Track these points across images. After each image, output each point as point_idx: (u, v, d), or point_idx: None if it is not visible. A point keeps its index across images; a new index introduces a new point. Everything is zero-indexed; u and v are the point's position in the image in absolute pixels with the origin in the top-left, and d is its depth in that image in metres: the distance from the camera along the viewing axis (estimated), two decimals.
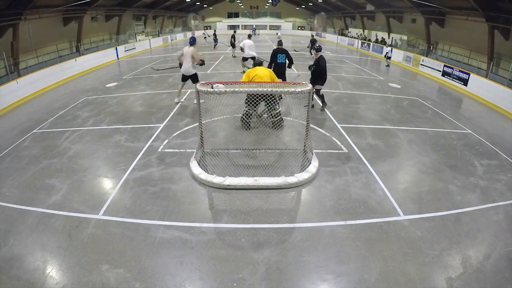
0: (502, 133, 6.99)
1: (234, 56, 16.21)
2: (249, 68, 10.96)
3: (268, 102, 5.55)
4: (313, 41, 17.35)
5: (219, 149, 5.22)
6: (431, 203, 4.08)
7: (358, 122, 6.90)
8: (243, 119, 5.86)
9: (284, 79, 7.81)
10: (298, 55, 17.45)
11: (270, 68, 8.22)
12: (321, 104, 7.57)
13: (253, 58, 10.81)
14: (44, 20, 13.33)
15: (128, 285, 2.79)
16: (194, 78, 7.62)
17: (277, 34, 27.24)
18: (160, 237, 3.37)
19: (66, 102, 8.61)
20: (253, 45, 10.91)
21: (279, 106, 6.23)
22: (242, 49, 11.00)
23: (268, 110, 5.98)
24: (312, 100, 7.32)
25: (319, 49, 7.37)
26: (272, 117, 6.11)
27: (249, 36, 11.82)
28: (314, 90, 7.17)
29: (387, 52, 15.80)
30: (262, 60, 6.42)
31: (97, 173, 4.72)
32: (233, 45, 16.61)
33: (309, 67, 7.38)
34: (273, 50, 7.86)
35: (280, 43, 8.29)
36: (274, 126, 6.13)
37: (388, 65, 15.34)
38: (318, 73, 7.17)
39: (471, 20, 13.37)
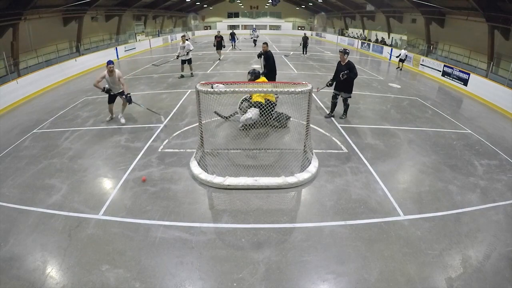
0: (502, 133, 6.99)
1: (219, 59, 15.16)
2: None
3: (263, 110, 5.48)
4: (305, 39, 17.43)
5: (219, 149, 5.22)
6: (431, 203, 4.08)
7: (358, 122, 6.90)
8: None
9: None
10: (299, 55, 17.47)
11: (264, 73, 7.54)
12: (343, 113, 7.06)
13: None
14: (44, 20, 13.32)
15: (128, 285, 2.79)
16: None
17: (254, 30, 24.16)
18: (160, 237, 3.37)
19: (66, 102, 8.61)
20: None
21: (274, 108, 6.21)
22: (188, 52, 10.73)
23: (271, 118, 5.98)
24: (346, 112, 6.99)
25: (347, 52, 6.44)
26: (275, 120, 6.14)
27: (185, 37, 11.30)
28: (347, 97, 6.72)
29: (406, 55, 14.47)
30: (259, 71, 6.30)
31: (97, 173, 4.72)
32: (221, 46, 15.02)
33: (342, 75, 6.35)
34: (270, 53, 7.43)
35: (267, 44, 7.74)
36: (279, 125, 6.16)
37: (400, 69, 14.44)
38: (352, 80, 6.51)
39: (471, 20, 13.37)
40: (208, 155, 5.01)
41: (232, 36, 20.12)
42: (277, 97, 6.74)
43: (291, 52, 18.03)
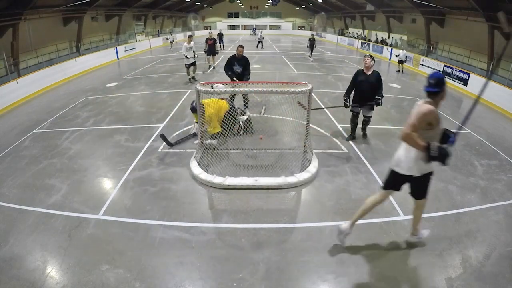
0: (502, 133, 6.99)
1: (213, 67, 13.20)
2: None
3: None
4: (312, 41, 16.14)
5: (219, 149, 5.22)
6: (431, 203, 4.05)
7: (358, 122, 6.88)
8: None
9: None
10: (299, 56, 17.45)
11: (247, 78, 6.95)
12: (365, 132, 6.09)
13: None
14: (44, 20, 13.33)
15: (128, 285, 2.79)
16: None
17: (256, 32, 23.01)
18: (160, 237, 3.37)
19: (66, 102, 8.61)
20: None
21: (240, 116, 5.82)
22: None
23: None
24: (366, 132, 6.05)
25: (373, 58, 5.29)
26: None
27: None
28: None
29: (406, 56, 13.74)
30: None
31: (97, 173, 4.72)
32: (214, 51, 12.79)
33: (378, 102, 5.31)
34: (246, 58, 6.83)
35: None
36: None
37: (401, 71, 13.62)
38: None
39: (471, 20, 13.38)
40: (208, 155, 5.01)
41: (220, 37, 20.13)
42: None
43: (310, 56, 16.61)
